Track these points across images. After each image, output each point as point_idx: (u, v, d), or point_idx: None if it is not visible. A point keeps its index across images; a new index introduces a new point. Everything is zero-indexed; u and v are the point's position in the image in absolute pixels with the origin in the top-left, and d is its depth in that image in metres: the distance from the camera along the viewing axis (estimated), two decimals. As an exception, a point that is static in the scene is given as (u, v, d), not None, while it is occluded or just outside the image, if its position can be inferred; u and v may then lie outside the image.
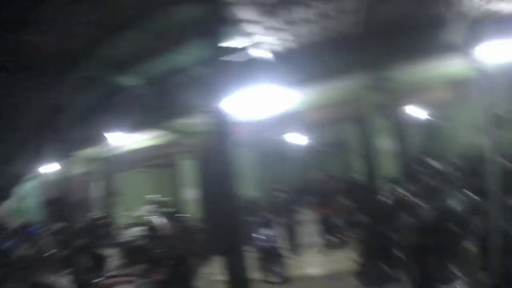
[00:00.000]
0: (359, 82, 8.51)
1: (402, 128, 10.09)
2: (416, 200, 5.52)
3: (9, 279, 6.89)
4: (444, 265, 4.00)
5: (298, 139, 10.89)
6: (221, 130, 4.43)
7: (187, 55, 7.25)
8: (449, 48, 5.35)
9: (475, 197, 4.64)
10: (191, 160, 11.12)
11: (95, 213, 11.37)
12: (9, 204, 11.07)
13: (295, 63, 7.20)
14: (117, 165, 13.07)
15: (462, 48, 4.32)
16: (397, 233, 4.86)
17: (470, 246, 4.09)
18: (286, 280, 7.15)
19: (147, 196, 11.34)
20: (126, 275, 6.09)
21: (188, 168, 11.25)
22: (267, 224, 7.80)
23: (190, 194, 11.01)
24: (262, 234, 7.51)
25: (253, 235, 7.48)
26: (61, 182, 12.26)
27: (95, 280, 5.71)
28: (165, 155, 11.91)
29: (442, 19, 5.03)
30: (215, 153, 4.42)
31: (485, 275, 3.72)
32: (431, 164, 8.54)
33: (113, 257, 7.66)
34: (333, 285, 6.57)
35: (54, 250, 8.32)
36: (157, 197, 11.15)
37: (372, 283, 4.68)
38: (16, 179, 10.67)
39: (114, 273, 6.59)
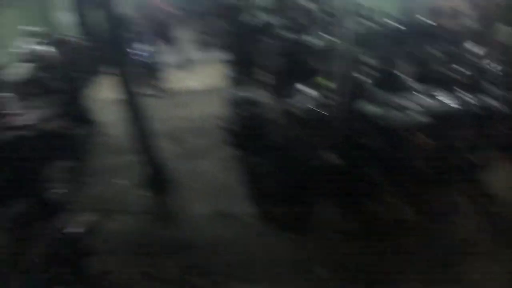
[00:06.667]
0: None
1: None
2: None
3: None
4: (298, 86, 4.57)
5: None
6: None
7: None
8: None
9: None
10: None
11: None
12: None
13: None
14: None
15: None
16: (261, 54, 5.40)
17: (324, 79, 4.82)
18: (164, 93, 7.92)
19: (22, 28, 10.00)
20: (25, 107, 5.99)
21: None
22: (144, 39, 8.10)
23: (65, 18, 10.28)
24: (140, 49, 7.81)
25: (132, 50, 7.70)
26: None
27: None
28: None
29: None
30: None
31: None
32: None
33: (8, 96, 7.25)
34: (206, 96, 7.46)
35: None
36: (33, 27, 10.00)
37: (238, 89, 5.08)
38: None
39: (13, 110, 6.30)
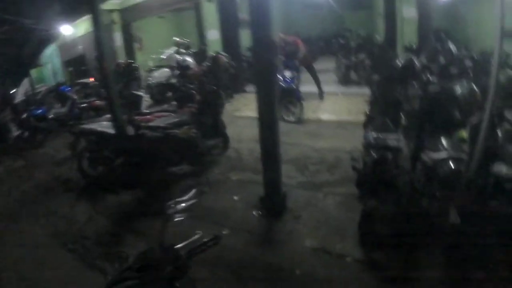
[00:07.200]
0: None
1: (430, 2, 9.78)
2: (426, 73, 5.63)
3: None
4: (438, 137, 4.29)
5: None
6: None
7: None
8: None
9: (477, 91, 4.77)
10: (212, 2, 11.29)
11: (121, 60, 11.68)
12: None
13: None
14: (138, 12, 13.40)
15: None
16: (404, 97, 5.23)
17: (463, 133, 4.36)
18: (300, 121, 7.98)
19: (172, 38, 12.05)
20: (161, 110, 6.69)
21: (210, 10, 11.58)
22: (289, 67, 8.41)
23: (213, 35, 11.74)
24: (282, 75, 7.97)
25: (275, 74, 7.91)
26: (79, 40, 13.08)
27: (136, 117, 6.06)
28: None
29: None
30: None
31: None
32: (448, 45, 8.14)
33: (146, 97, 8.50)
34: (338, 130, 7.43)
35: (93, 99, 9.09)
36: (181, 39, 11.90)
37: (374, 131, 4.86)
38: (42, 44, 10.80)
39: (150, 110, 7.17)
